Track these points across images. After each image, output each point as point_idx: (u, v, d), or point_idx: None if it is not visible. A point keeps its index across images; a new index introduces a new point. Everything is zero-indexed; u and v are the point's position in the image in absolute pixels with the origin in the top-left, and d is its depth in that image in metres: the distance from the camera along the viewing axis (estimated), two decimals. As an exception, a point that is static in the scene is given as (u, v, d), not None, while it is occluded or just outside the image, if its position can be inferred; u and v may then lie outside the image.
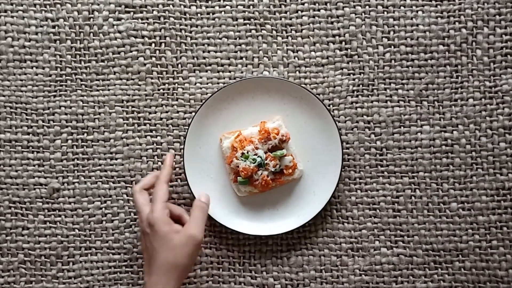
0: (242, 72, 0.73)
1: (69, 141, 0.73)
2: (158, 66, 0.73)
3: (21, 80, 0.72)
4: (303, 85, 0.72)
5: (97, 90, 0.73)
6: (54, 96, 0.72)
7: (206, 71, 0.73)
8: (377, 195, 0.72)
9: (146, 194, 0.67)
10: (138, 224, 0.71)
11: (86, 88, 0.73)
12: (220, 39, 0.73)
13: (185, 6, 0.73)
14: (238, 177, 0.68)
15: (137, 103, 0.73)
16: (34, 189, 0.72)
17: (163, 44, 0.73)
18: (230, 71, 0.73)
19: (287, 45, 0.73)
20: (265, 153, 0.68)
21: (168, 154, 0.71)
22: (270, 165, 0.68)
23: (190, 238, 0.62)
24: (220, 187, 0.72)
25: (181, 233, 0.62)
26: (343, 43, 0.72)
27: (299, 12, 0.72)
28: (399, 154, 0.72)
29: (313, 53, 0.72)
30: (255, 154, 0.68)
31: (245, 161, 0.67)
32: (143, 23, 0.73)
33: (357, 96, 0.72)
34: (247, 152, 0.67)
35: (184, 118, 0.73)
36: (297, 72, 0.73)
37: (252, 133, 0.69)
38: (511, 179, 0.71)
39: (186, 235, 0.62)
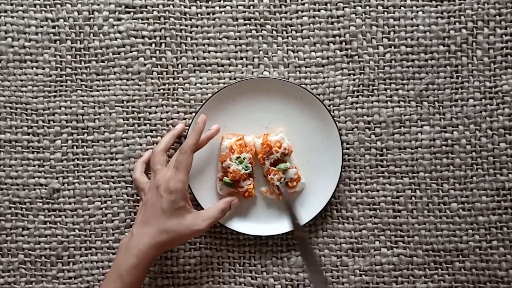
0: (242, 73, 0.73)
1: (69, 142, 0.73)
2: (158, 66, 0.73)
3: (21, 80, 0.72)
4: (303, 86, 0.72)
5: (97, 91, 0.73)
6: (54, 96, 0.72)
7: (206, 71, 0.73)
8: (377, 195, 0.72)
9: (166, 156, 0.68)
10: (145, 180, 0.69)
11: (86, 89, 0.73)
12: (220, 39, 0.73)
13: (185, 7, 0.73)
14: (224, 177, 0.69)
15: (137, 103, 0.73)
16: (34, 189, 0.72)
17: (163, 45, 0.73)
18: (230, 72, 0.73)
19: (287, 46, 0.73)
20: (268, 169, 0.68)
21: (200, 118, 0.68)
22: (274, 179, 0.68)
23: (197, 227, 0.63)
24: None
25: (193, 217, 0.64)
26: (344, 43, 0.72)
27: (300, 12, 0.72)
28: (399, 155, 0.72)
29: (313, 53, 0.72)
30: (250, 163, 0.68)
31: (238, 165, 0.67)
32: (143, 23, 0.73)
33: (357, 96, 0.72)
34: (243, 158, 0.68)
35: (185, 119, 0.73)
36: (298, 72, 0.73)
37: (254, 143, 0.69)
38: (511, 179, 0.71)
39: (196, 223, 0.63)
